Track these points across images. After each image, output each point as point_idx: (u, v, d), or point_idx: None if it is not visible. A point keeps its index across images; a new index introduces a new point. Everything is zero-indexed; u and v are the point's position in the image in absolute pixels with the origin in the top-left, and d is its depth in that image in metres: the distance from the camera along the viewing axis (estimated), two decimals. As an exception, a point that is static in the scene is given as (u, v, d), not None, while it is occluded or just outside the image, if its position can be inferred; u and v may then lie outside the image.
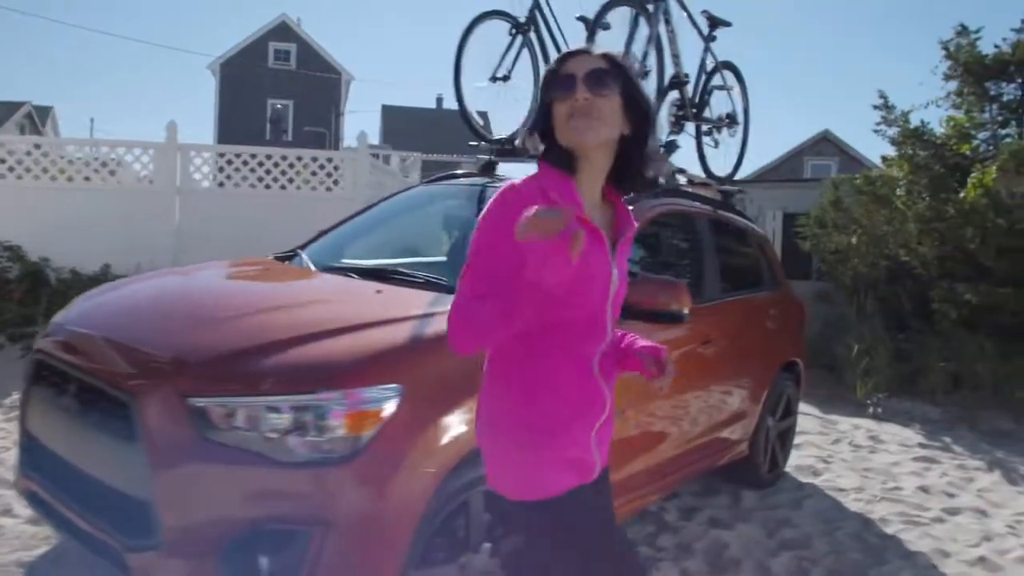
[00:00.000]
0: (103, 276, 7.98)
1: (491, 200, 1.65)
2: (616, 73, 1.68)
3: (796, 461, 5.26)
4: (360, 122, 71.92)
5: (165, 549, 2.16)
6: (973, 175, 7.55)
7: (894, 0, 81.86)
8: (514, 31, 4.42)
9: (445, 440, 2.35)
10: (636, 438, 3.26)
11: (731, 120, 5.23)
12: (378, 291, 2.92)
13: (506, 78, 4.39)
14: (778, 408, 4.80)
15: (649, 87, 3.10)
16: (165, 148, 8.96)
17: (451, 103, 4.59)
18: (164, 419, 2.22)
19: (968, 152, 8.30)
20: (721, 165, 5.15)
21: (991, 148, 8.71)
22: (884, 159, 9.26)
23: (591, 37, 4.03)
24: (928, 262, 7.85)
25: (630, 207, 1.85)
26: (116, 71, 75.00)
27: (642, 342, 1.83)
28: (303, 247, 3.85)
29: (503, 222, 1.57)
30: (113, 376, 2.42)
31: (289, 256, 3.75)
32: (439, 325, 2.59)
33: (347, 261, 3.55)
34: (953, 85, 9.27)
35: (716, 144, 5.16)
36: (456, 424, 2.39)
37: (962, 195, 7.59)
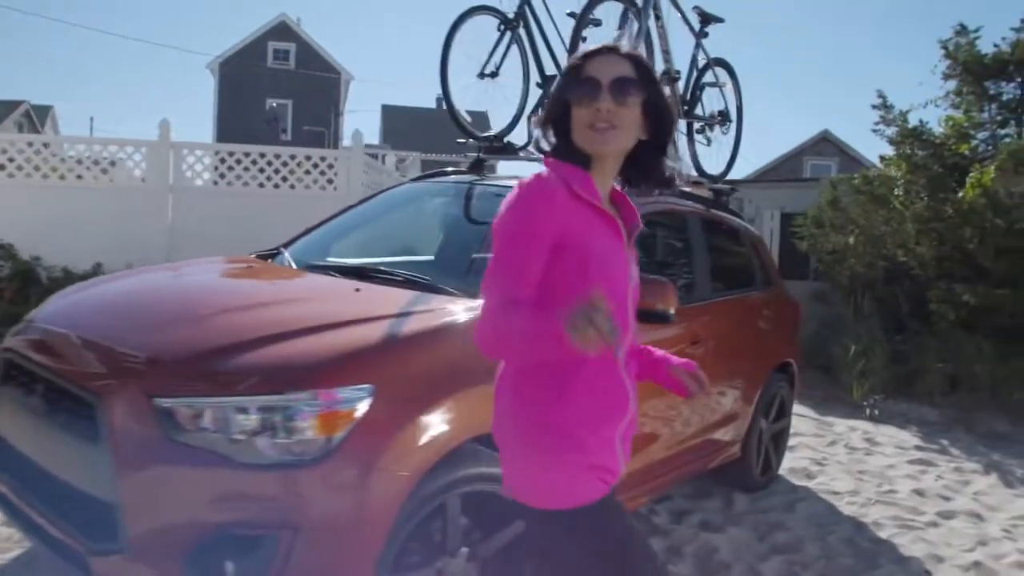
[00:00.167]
0: (95, 275, 7.90)
1: (515, 195, 1.58)
2: (642, 81, 1.63)
3: (790, 463, 5.19)
4: (360, 122, 71.97)
5: (129, 553, 2.10)
6: (972, 175, 7.50)
7: (894, 0, 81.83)
8: (502, 27, 4.36)
9: (421, 441, 2.29)
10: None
11: (723, 118, 5.17)
12: (356, 289, 2.86)
13: (494, 75, 4.33)
14: (771, 410, 4.74)
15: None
16: (158, 146, 8.92)
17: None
18: (129, 420, 2.16)
19: (967, 152, 8.24)
20: (713, 163, 5.10)
21: (990, 148, 8.67)
22: (882, 159, 9.21)
23: (577, 33, 3.98)
24: (926, 262, 7.79)
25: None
26: (116, 70, 75.16)
27: (675, 359, 1.81)
28: (286, 245, 3.79)
29: (534, 216, 1.54)
30: (79, 375, 2.36)
31: (272, 254, 3.70)
32: (416, 323, 2.54)
33: (330, 259, 3.50)
34: (952, 85, 9.25)
35: (708, 142, 5.10)
36: (432, 425, 2.32)
37: (960, 195, 7.53)
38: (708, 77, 5.14)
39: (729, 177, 5.54)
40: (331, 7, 73.78)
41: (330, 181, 9.21)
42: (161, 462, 2.12)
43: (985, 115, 9.11)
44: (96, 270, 8.18)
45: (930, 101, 9.41)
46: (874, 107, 8.83)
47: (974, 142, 8.63)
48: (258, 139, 25.10)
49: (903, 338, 7.90)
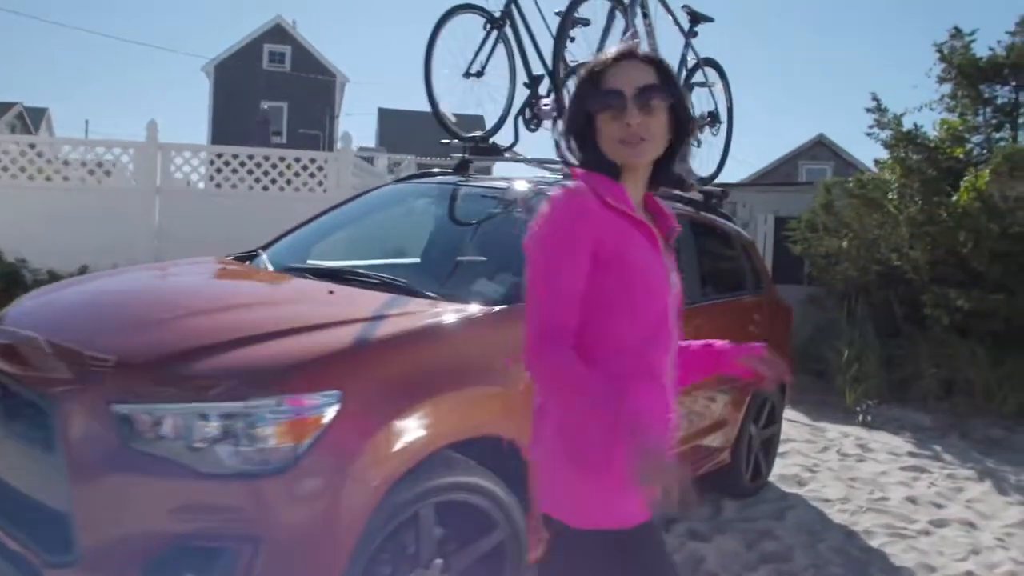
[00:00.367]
0: (80, 277, 7.84)
1: (547, 212, 1.53)
2: (665, 87, 1.57)
3: (781, 470, 5.12)
4: (357, 125, 72.01)
5: (83, 566, 2.02)
6: (966, 179, 7.43)
7: (891, 4, 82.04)
8: (488, 26, 4.29)
9: (392, 450, 2.21)
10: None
11: (713, 119, 5.10)
12: (330, 292, 2.78)
13: (480, 74, 4.26)
14: (761, 415, 4.66)
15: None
16: (145, 147, 8.84)
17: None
18: (85, 427, 2.08)
19: (961, 155, 8.17)
20: (703, 165, 5.01)
21: (984, 151, 8.61)
22: (877, 162, 9.16)
23: (562, 32, 3.91)
24: (920, 267, 7.72)
25: None
26: (112, 73, 74.74)
27: (741, 347, 1.78)
28: (265, 247, 3.71)
29: (569, 234, 1.50)
30: (39, 380, 2.29)
31: (250, 256, 3.61)
32: (389, 327, 2.47)
33: (308, 262, 3.42)
34: (947, 88, 9.20)
35: (698, 143, 5.02)
36: (405, 432, 2.25)
37: (955, 199, 7.46)
38: (698, 77, 5.07)
39: (723, 180, 5.47)
40: (327, 10, 73.76)
41: (320, 183, 9.13)
42: (117, 471, 2.04)
43: (980, 119, 9.06)
44: (82, 272, 8.08)
45: (925, 104, 9.35)
46: (868, 110, 8.78)
47: (968, 146, 8.57)
48: (253, 142, 25.00)
49: (897, 343, 7.83)
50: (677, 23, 4.95)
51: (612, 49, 1.62)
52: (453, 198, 3.86)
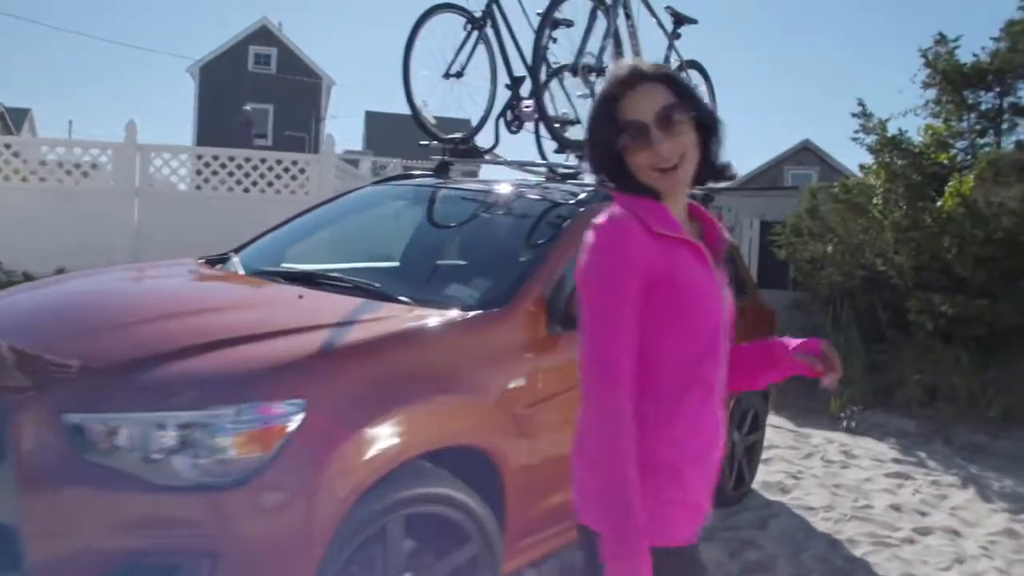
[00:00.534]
0: (56, 280, 7.71)
1: (592, 243, 1.47)
2: (684, 101, 1.51)
3: (764, 477, 5.06)
4: (344, 128, 71.86)
5: (32, 583, 1.93)
6: (951, 184, 7.43)
7: (876, 9, 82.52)
8: (469, 26, 4.22)
9: (360, 460, 2.13)
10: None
11: (698, 122, 5.03)
12: (300, 296, 2.70)
13: (460, 75, 4.19)
14: (744, 422, 4.60)
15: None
16: (124, 148, 8.72)
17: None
18: (37, 436, 1.99)
19: (946, 161, 8.17)
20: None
21: (969, 157, 8.62)
22: (862, 167, 9.16)
23: (541, 32, 3.84)
24: (904, 272, 7.70)
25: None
26: (96, 74, 74.13)
27: (794, 342, 1.70)
28: (237, 250, 3.62)
29: (616, 265, 1.45)
30: (-9, 387, 2.18)
31: (221, 259, 3.52)
32: (359, 333, 2.38)
33: (282, 265, 3.33)
34: (932, 94, 9.20)
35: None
36: (374, 442, 2.17)
37: (939, 204, 7.46)
38: (681, 80, 5.01)
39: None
40: (314, 12, 73.52)
41: (302, 186, 9.04)
42: (68, 483, 1.94)
43: (964, 124, 9.08)
44: (58, 274, 7.95)
45: (910, 110, 9.36)
46: (854, 115, 8.77)
47: (953, 151, 8.58)
48: (235, 143, 24.84)
49: (881, 348, 7.80)
50: (660, 24, 4.90)
51: (617, 72, 1.55)
52: (431, 200, 3.79)
